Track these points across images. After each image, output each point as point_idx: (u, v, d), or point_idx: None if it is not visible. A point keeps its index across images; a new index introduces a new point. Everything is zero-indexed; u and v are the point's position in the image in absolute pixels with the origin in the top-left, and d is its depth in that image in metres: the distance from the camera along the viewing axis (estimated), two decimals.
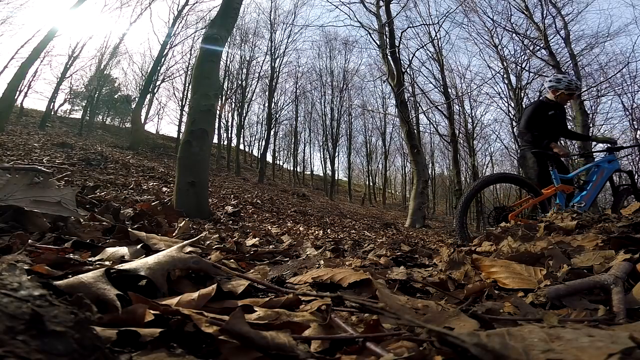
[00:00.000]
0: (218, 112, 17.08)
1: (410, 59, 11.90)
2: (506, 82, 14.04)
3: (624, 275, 0.76)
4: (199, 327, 0.40)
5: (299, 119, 26.90)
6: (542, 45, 10.74)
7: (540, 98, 3.32)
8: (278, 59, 19.43)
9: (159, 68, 17.28)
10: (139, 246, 0.83)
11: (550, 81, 3.19)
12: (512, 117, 14.65)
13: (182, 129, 7.79)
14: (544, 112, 3.06)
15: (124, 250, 0.77)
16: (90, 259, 0.72)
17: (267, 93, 19.66)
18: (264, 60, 20.40)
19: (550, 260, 0.95)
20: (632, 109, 13.88)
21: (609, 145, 3.00)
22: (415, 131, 12.13)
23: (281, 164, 31.79)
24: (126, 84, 25.77)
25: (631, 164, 16.63)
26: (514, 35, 12.36)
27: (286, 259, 1.43)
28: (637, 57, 12.22)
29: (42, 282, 0.45)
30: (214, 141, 6.37)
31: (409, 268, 1.17)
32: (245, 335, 0.37)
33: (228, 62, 19.99)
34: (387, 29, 10.50)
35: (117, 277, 0.54)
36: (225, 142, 22.90)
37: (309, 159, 44.99)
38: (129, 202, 2.62)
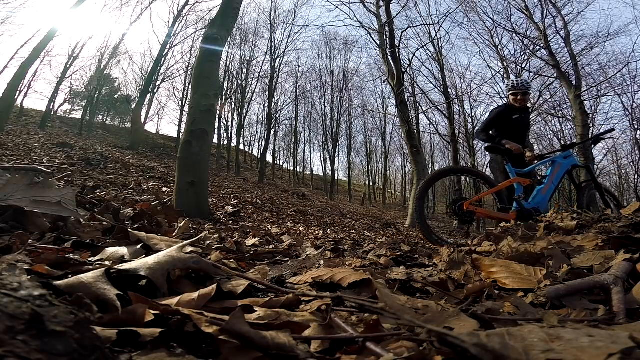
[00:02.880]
0: (218, 112, 17.08)
1: (410, 59, 11.85)
2: (506, 82, 14.02)
3: (624, 275, 0.76)
4: (199, 327, 0.40)
5: (299, 119, 26.95)
6: (542, 45, 10.73)
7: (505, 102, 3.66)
8: (278, 59, 19.47)
9: (159, 68, 17.30)
10: (139, 246, 0.83)
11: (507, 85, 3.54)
12: None
13: (182, 129, 7.79)
14: (508, 116, 3.38)
15: (124, 250, 0.77)
16: (90, 259, 0.72)
17: (267, 93, 19.69)
18: (264, 60, 20.47)
19: (550, 260, 0.95)
20: (632, 109, 13.91)
21: (562, 143, 3.43)
22: (415, 131, 12.10)
23: (281, 164, 31.81)
24: (126, 84, 25.87)
25: (631, 163, 16.64)
26: (514, 35, 12.35)
27: (286, 259, 1.43)
28: (637, 57, 12.22)
29: (42, 282, 0.45)
30: (214, 141, 6.37)
31: (409, 268, 1.17)
32: (245, 335, 0.37)
33: (228, 62, 20.04)
34: (387, 29, 10.49)
35: (117, 277, 0.54)
36: (225, 142, 22.92)
37: (309, 159, 45.08)
38: (129, 202, 2.62)
